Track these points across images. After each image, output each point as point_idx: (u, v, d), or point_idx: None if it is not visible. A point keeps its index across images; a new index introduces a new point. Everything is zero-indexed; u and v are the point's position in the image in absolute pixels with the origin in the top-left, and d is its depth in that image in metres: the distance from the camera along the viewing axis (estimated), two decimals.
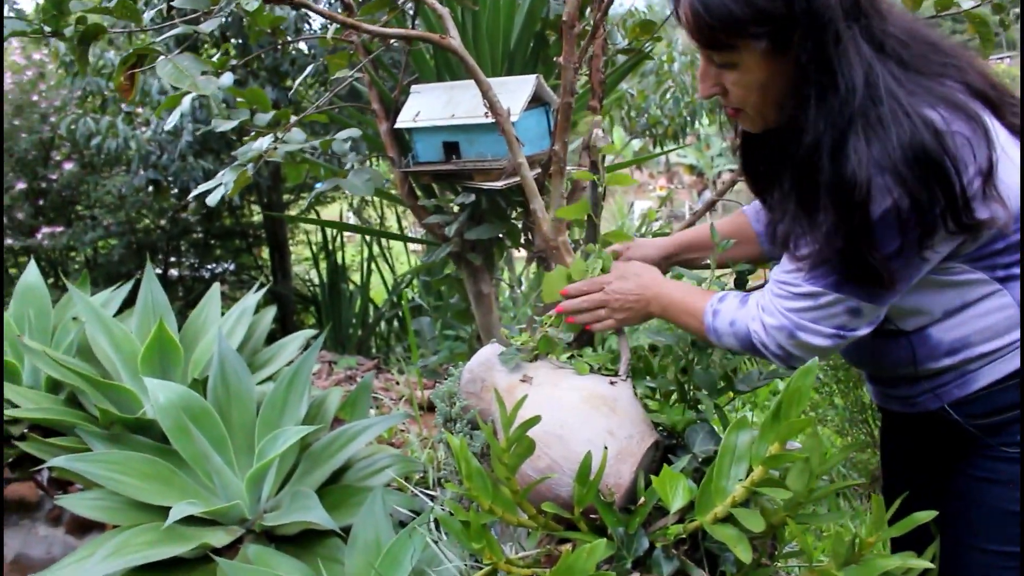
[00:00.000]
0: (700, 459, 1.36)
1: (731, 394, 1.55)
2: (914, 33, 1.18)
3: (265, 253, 5.21)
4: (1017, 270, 1.21)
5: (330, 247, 4.86)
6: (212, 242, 4.85)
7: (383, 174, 2.05)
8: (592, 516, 1.36)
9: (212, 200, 1.86)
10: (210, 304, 2.72)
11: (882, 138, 1.09)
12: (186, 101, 1.96)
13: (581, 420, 1.36)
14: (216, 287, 2.78)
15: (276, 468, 2.11)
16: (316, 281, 5.06)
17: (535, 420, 1.24)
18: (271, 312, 2.75)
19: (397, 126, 1.99)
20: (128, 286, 2.90)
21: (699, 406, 1.51)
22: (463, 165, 1.91)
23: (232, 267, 5.01)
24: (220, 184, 1.87)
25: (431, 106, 1.97)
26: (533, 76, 1.84)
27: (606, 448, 1.32)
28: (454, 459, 1.59)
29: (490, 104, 1.56)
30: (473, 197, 1.94)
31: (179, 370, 2.43)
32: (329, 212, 5.43)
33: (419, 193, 2.14)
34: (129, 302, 2.82)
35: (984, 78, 1.18)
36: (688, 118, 4.98)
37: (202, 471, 2.10)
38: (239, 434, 2.19)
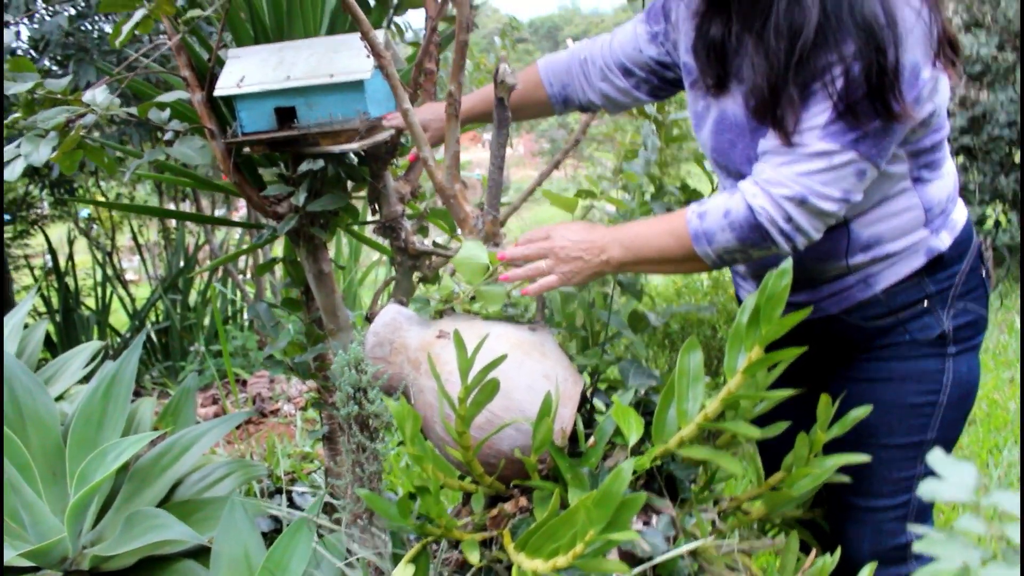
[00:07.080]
0: (642, 393, 1.34)
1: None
2: None
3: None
4: (927, 173, 1.30)
5: (62, 269, 4.31)
6: None
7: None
8: (539, 466, 1.29)
9: (13, 174, 1.55)
10: None
11: None
12: None
13: (516, 367, 1.29)
14: None
15: (99, 494, 1.81)
16: (43, 309, 4.45)
17: (501, 359, 1.16)
18: (42, 327, 2.36)
19: (218, 93, 1.78)
20: None
21: (605, 348, 1.49)
22: (307, 130, 1.75)
23: None
24: (19, 155, 1.57)
25: (259, 70, 1.79)
26: (381, 31, 1.73)
27: (548, 392, 1.27)
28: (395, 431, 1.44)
29: (371, 46, 1.45)
30: (321, 164, 1.78)
31: None
32: (51, 232, 4.80)
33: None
34: None
35: None
36: None
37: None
38: (40, 460, 1.84)
